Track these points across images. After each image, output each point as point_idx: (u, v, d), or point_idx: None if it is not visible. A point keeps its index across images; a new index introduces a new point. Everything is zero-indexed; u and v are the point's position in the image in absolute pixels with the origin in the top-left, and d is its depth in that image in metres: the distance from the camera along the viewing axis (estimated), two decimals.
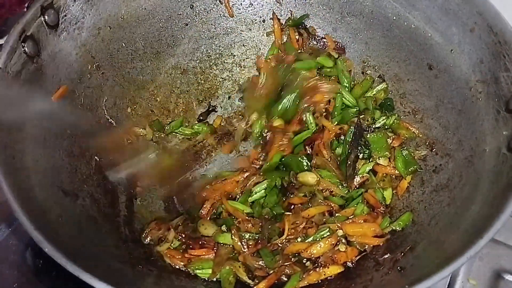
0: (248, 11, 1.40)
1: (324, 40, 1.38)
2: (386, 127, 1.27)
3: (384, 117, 1.27)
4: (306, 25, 1.39)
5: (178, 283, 1.02)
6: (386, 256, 1.05)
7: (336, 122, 1.28)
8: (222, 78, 1.44)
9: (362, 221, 1.11)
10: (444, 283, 1.19)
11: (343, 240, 1.09)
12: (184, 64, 1.40)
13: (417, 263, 0.95)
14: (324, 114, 1.30)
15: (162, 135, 1.34)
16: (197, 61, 1.41)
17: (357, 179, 1.21)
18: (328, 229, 1.09)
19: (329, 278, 1.05)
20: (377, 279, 0.97)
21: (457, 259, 0.81)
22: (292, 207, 1.16)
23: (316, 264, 1.05)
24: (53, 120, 1.09)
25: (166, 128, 1.35)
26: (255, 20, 1.41)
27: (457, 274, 1.19)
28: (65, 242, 0.87)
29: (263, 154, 1.29)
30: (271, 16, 1.40)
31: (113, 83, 1.28)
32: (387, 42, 1.31)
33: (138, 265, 1.01)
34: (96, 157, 1.19)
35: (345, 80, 1.33)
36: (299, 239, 1.10)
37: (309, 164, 1.20)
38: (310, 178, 1.17)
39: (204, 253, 1.08)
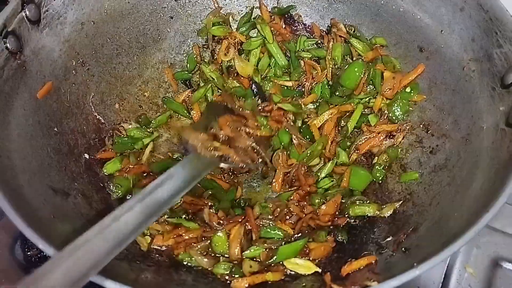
0: (234, 1, 1.39)
1: (311, 28, 1.37)
2: None
3: None
4: (292, 14, 1.37)
5: (177, 277, 0.99)
6: (388, 239, 1.04)
7: None
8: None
9: None
10: (441, 271, 1.18)
11: None
12: (171, 58, 1.38)
13: (422, 243, 0.94)
14: None
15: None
16: (184, 55, 1.39)
17: None
18: None
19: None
20: (382, 262, 0.96)
21: (464, 235, 0.80)
22: None
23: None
24: (39, 118, 1.07)
25: (153, 122, 1.32)
26: (241, 11, 1.40)
27: (454, 262, 1.19)
28: (59, 239, 0.84)
29: None
30: (257, 6, 1.38)
31: (99, 79, 1.25)
32: (376, 27, 1.30)
33: (135, 261, 0.98)
34: (85, 155, 1.16)
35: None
36: None
37: None
38: None
39: None
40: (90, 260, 0.74)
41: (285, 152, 1.25)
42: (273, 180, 1.23)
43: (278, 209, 1.14)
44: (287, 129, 1.26)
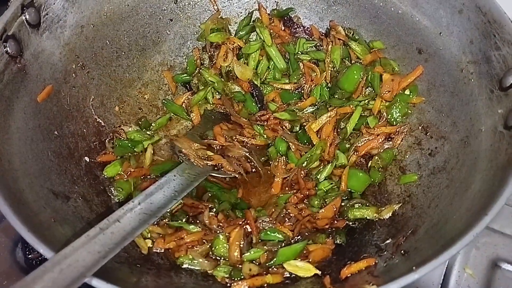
0: (233, 4, 1.39)
1: (310, 30, 1.37)
2: None
3: None
4: (291, 16, 1.38)
5: (177, 280, 0.99)
6: (388, 241, 1.04)
7: None
8: None
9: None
10: (440, 272, 1.19)
11: None
12: (170, 60, 1.38)
13: (421, 246, 0.94)
14: None
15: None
16: (184, 57, 1.39)
17: None
18: None
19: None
20: (381, 264, 0.96)
21: (463, 238, 0.80)
22: None
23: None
24: (39, 121, 1.07)
25: (153, 125, 1.32)
26: (241, 13, 1.40)
27: (453, 264, 1.19)
28: (59, 243, 0.85)
29: None
30: (257, 9, 1.38)
31: (99, 82, 1.25)
32: (375, 29, 1.31)
33: (135, 264, 0.99)
34: (85, 158, 1.17)
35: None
36: None
37: None
38: None
39: None
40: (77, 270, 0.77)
41: (283, 158, 1.25)
42: (272, 185, 1.23)
43: (276, 212, 1.14)
44: (283, 137, 1.26)
